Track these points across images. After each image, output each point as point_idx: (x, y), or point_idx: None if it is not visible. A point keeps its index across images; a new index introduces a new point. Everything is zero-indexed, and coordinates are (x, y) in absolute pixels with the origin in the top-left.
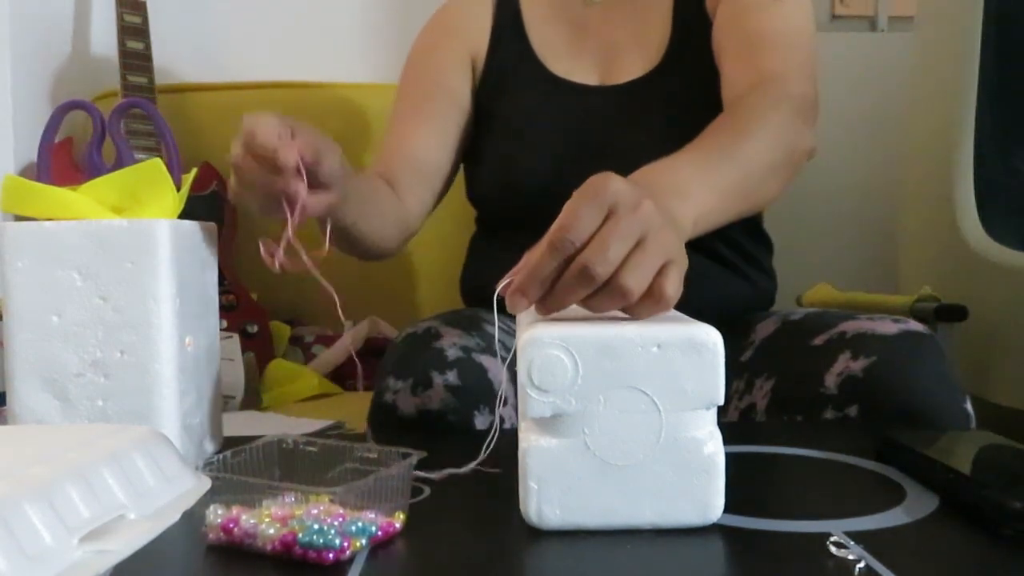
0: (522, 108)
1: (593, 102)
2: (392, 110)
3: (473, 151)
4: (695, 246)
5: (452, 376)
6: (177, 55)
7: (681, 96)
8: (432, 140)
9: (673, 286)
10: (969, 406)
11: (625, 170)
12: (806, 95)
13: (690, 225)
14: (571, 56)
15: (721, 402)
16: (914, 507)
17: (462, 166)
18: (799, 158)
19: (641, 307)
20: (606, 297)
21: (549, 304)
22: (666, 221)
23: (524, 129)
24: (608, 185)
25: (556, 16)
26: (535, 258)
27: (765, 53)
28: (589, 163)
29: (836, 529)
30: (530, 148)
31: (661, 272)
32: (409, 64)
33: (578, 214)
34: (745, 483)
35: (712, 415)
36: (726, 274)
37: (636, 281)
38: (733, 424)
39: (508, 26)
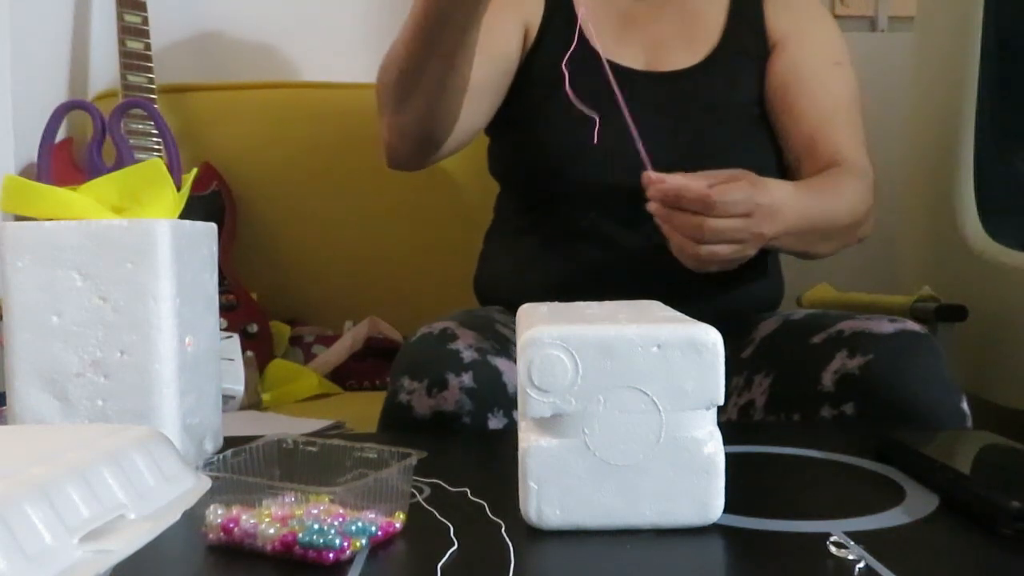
0: (562, 83)
1: (634, 83)
2: None
3: (512, 119)
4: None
5: (467, 378)
6: (177, 55)
7: (719, 92)
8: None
9: (715, 252)
10: (965, 405)
11: (638, 170)
12: (875, 184)
13: (774, 236)
14: (618, 42)
15: (721, 402)
16: (914, 507)
17: (489, 140)
18: (855, 238)
19: (687, 244)
20: (688, 220)
21: (662, 213)
22: (769, 224)
23: (563, 102)
24: (769, 198)
25: (605, 5)
26: (693, 182)
27: (835, 133)
28: (620, 140)
29: (836, 529)
30: (567, 120)
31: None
32: None
33: (738, 195)
34: (745, 483)
35: (712, 415)
36: (735, 272)
37: (714, 230)
38: (733, 424)
39: (560, 9)
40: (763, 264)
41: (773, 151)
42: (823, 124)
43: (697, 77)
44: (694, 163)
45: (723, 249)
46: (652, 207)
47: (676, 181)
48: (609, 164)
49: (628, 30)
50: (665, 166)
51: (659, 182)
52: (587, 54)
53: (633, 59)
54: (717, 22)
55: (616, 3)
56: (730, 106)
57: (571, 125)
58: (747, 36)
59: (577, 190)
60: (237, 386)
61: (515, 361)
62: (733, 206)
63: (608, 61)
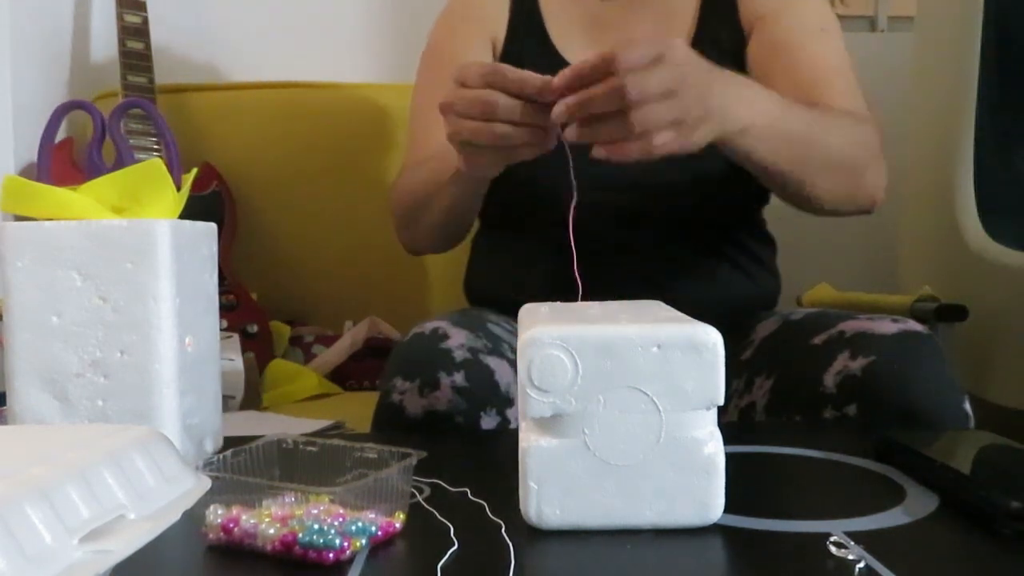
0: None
1: None
2: (413, 99)
3: None
4: (701, 248)
5: (459, 377)
6: (177, 55)
7: None
8: None
9: (662, 142)
10: (968, 406)
11: (635, 168)
12: (882, 135)
13: (737, 125)
14: (587, 49)
15: (721, 402)
16: (914, 507)
17: None
18: (864, 189)
19: (626, 146)
20: (613, 126)
21: (575, 103)
22: (705, 91)
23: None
24: (673, 41)
25: (574, 10)
26: (582, 63)
27: (831, 93)
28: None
29: (836, 529)
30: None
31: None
32: (429, 52)
33: (634, 47)
34: (745, 483)
35: (712, 415)
36: (732, 274)
37: (643, 122)
38: (733, 424)
39: (525, 15)
40: (760, 261)
41: None
42: (815, 83)
43: None
44: (674, 175)
45: (661, 138)
46: (569, 134)
47: (571, 72)
48: (591, 164)
49: (598, 33)
50: (645, 180)
51: (556, 90)
52: (550, 58)
53: None
54: (690, 17)
55: (585, 7)
56: None
57: (545, 158)
58: (721, 28)
59: (555, 218)
60: (237, 386)
61: (508, 360)
62: (649, 85)
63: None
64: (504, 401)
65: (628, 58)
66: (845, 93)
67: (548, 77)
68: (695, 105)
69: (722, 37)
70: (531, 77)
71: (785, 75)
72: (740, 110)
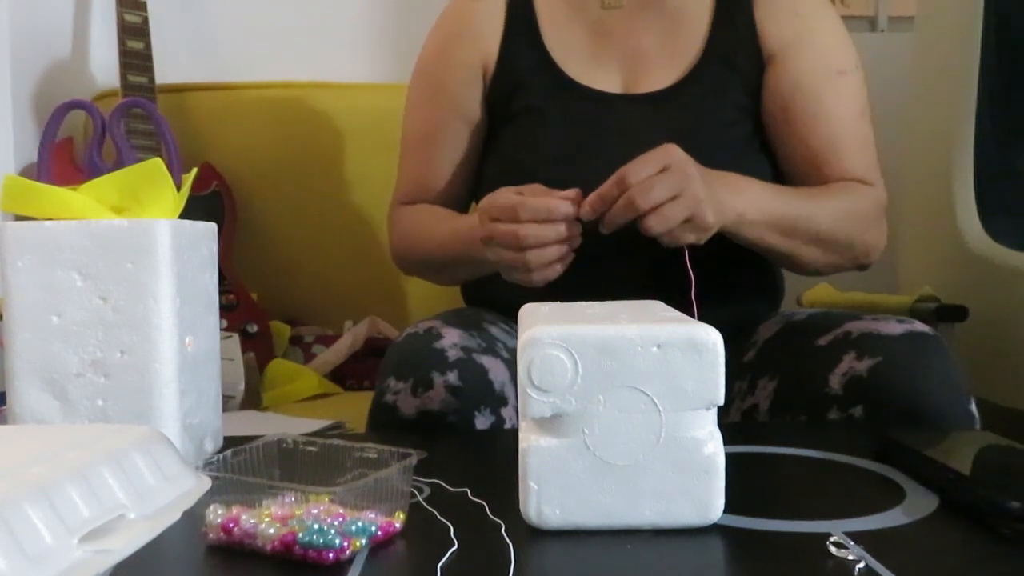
0: (537, 113)
1: (613, 110)
2: (405, 121)
3: (484, 153)
4: (706, 249)
5: (453, 377)
6: (177, 55)
7: (703, 111)
8: (449, 168)
9: (683, 239)
10: (974, 407)
11: None
12: (884, 200)
13: (734, 215)
14: (592, 61)
15: (721, 402)
16: (914, 507)
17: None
18: (852, 258)
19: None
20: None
21: (605, 222)
22: (705, 189)
23: (538, 134)
24: (671, 149)
25: (574, 18)
26: (605, 186)
27: (840, 158)
28: (601, 172)
29: (836, 529)
30: (543, 155)
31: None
32: (419, 73)
33: (641, 162)
34: (745, 483)
35: (712, 415)
36: (739, 288)
37: (661, 224)
38: (734, 424)
39: (522, 27)
40: (764, 262)
41: (769, 167)
42: (828, 145)
43: (679, 97)
44: None
45: (681, 236)
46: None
47: (595, 198)
48: (596, 182)
49: (602, 45)
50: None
51: (585, 216)
52: (548, 70)
53: (609, 81)
54: (700, 28)
55: (586, 15)
56: (717, 126)
57: (546, 171)
58: (735, 45)
59: None
60: (237, 386)
61: (502, 359)
62: (656, 193)
63: (582, 85)
64: (498, 400)
65: (635, 173)
66: (854, 154)
67: (571, 202)
68: (699, 201)
69: (735, 54)
70: (557, 207)
71: (798, 131)
72: (735, 202)
